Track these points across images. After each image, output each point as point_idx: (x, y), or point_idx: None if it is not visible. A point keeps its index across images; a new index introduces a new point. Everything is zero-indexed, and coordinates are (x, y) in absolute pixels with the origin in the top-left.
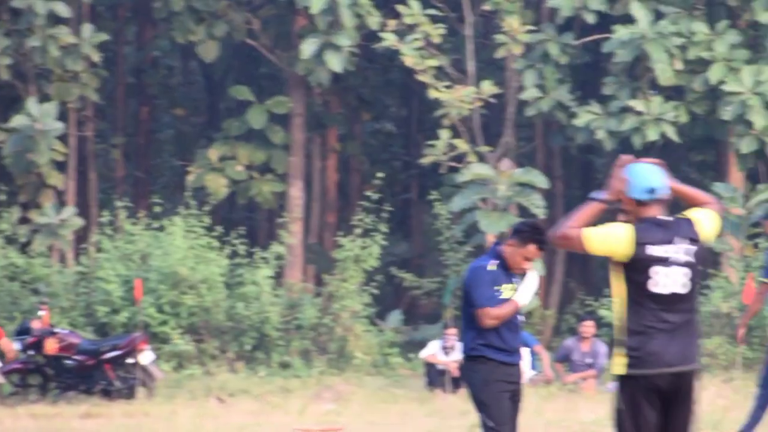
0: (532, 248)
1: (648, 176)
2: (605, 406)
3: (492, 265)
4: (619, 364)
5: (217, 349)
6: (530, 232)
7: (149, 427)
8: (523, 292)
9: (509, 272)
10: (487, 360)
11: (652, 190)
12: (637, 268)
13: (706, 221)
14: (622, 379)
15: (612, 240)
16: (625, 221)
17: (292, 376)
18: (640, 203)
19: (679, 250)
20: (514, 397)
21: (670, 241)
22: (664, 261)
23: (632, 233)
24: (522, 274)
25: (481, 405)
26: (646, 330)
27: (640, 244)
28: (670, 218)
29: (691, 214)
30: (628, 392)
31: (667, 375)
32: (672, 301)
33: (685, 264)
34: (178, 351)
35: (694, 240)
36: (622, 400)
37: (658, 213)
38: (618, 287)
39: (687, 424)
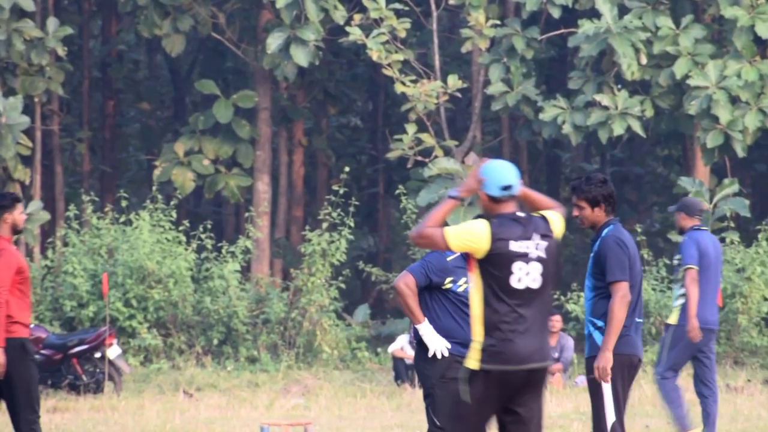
0: None
1: (503, 174)
2: (573, 400)
3: (452, 257)
4: (474, 359)
5: (184, 343)
6: None
7: (117, 422)
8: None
9: None
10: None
11: (507, 187)
12: (498, 264)
13: (556, 220)
14: (475, 374)
15: (472, 237)
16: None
17: (260, 370)
18: (496, 200)
19: (535, 246)
20: None
21: (528, 237)
22: (524, 256)
23: (490, 229)
24: None
25: (431, 400)
26: (503, 326)
27: (500, 239)
28: (525, 214)
29: (544, 212)
30: (479, 387)
31: (521, 371)
32: (527, 296)
33: (539, 259)
34: (146, 345)
35: (547, 236)
36: (471, 393)
37: (512, 210)
38: (476, 283)
39: (539, 419)
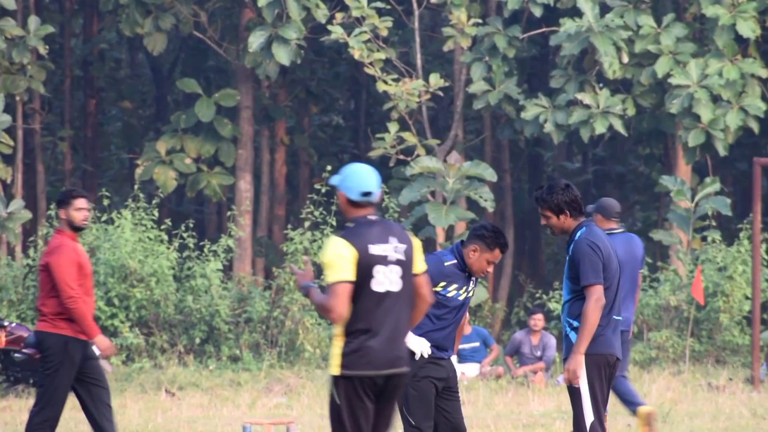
0: (497, 252)
1: (364, 180)
2: (555, 399)
3: (449, 263)
4: (336, 365)
5: (166, 342)
6: (495, 236)
7: None
8: None
9: (467, 275)
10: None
11: (367, 194)
12: (361, 269)
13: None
14: (339, 379)
15: (346, 260)
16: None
17: (242, 369)
18: (354, 204)
19: (393, 249)
20: (447, 393)
21: (386, 240)
22: (383, 259)
23: (346, 240)
24: (478, 278)
25: (404, 399)
26: (364, 330)
27: (361, 246)
28: (381, 218)
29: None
30: (345, 391)
31: (382, 375)
32: (387, 299)
33: (398, 262)
34: (128, 344)
35: (404, 240)
36: (340, 397)
37: (369, 214)
38: None
39: (391, 421)
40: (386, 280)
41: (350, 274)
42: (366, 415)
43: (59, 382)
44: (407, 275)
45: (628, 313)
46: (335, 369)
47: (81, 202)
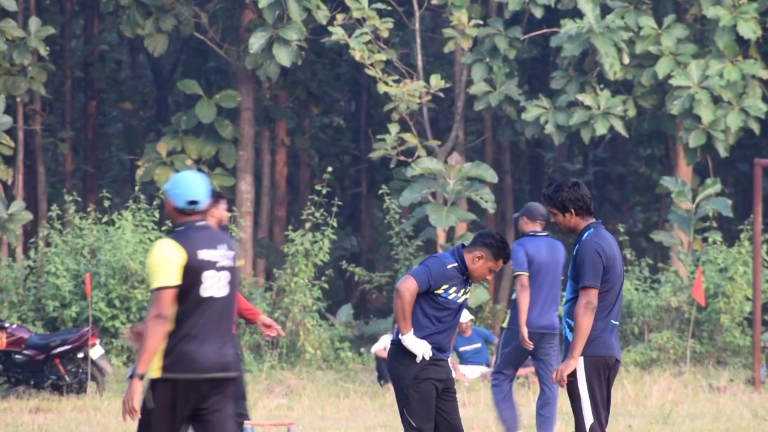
0: (500, 263)
1: (191, 187)
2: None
3: (451, 266)
4: (156, 367)
5: None
6: (502, 247)
7: (100, 422)
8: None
9: (465, 278)
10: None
11: (193, 202)
12: (189, 273)
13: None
14: (157, 382)
15: (170, 263)
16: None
17: (243, 370)
18: (181, 212)
19: (222, 255)
20: (446, 394)
21: (214, 246)
22: (213, 265)
23: (176, 243)
24: (478, 283)
25: (405, 401)
26: (191, 334)
27: (190, 250)
28: (209, 226)
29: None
30: (161, 395)
31: (207, 380)
32: (214, 305)
33: (227, 268)
34: (129, 346)
35: (231, 247)
36: (156, 401)
37: (198, 221)
38: None
39: (226, 429)
40: (214, 285)
41: (174, 279)
42: (178, 422)
43: None
44: (234, 282)
45: (549, 314)
46: (155, 372)
47: (224, 203)
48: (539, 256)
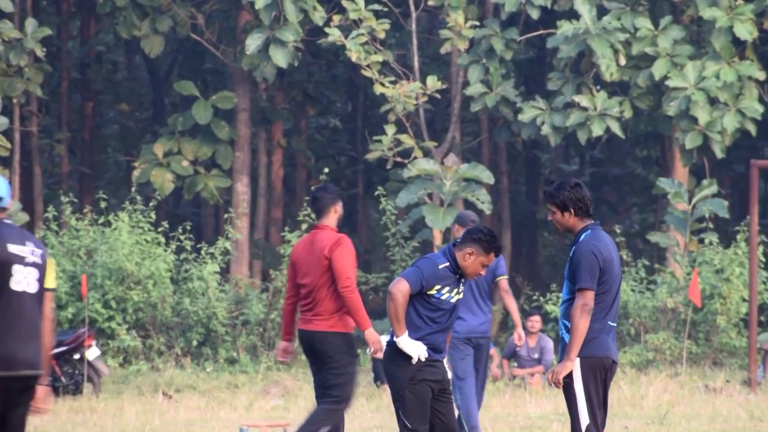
0: (492, 256)
1: None
2: (552, 401)
3: (443, 265)
4: None
5: (163, 344)
6: (492, 240)
7: (96, 423)
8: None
9: (458, 277)
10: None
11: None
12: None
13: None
14: None
15: None
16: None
17: (239, 371)
18: None
19: (30, 252)
20: (441, 395)
21: (23, 243)
22: (22, 260)
23: None
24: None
25: (401, 402)
26: (3, 329)
27: (1, 242)
28: (13, 222)
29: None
30: None
31: (19, 377)
32: (23, 300)
33: (35, 265)
34: (125, 347)
35: (39, 246)
36: None
37: (4, 218)
38: None
39: (24, 426)
40: (24, 280)
41: None
42: None
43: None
44: (42, 280)
45: (478, 320)
46: None
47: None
48: None
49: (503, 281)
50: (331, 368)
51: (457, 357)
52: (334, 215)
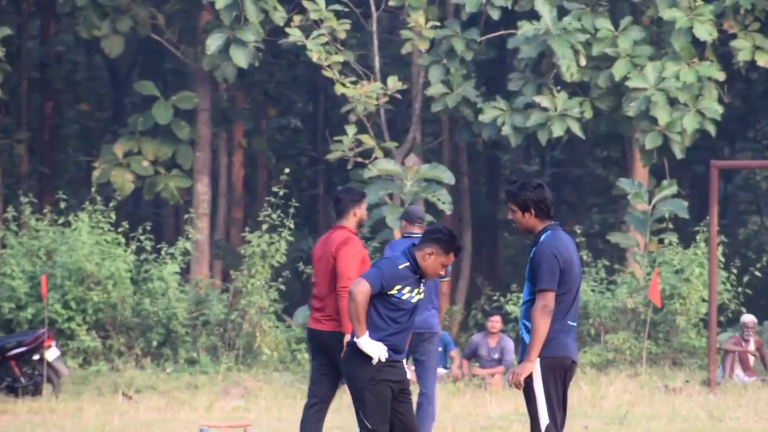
0: (452, 256)
1: None
2: (513, 402)
3: (403, 265)
4: None
5: (123, 345)
6: (451, 240)
7: (55, 424)
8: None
9: (418, 276)
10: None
11: None
12: None
13: None
14: None
15: None
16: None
17: (200, 372)
18: None
19: None
20: (401, 395)
21: None
22: None
23: None
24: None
25: (361, 403)
26: None
27: None
28: None
29: None
30: None
31: None
32: None
33: None
34: (85, 347)
35: None
36: None
37: None
38: None
39: None
40: None
41: None
42: None
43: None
44: None
45: (426, 316)
46: None
47: (365, 202)
48: None
49: (444, 283)
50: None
51: None
52: (353, 218)
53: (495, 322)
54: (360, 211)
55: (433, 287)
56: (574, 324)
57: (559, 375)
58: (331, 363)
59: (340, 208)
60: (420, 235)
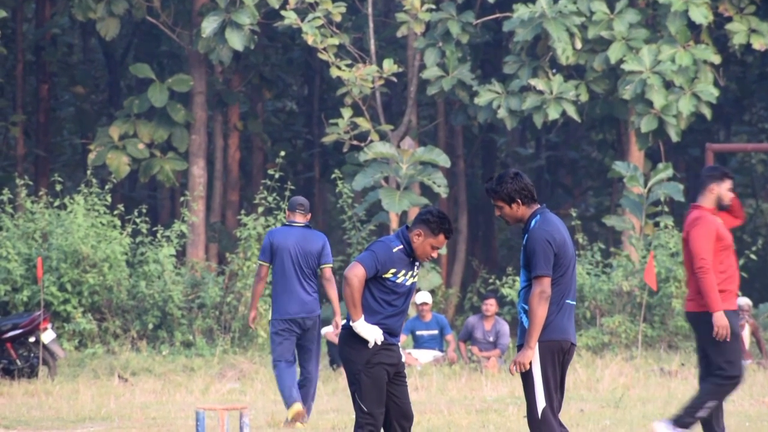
0: (441, 238)
1: None
2: (508, 384)
3: (397, 248)
4: None
5: (119, 327)
6: (440, 222)
7: (51, 406)
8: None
9: (412, 260)
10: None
11: None
12: None
13: None
14: None
15: None
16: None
17: (195, 354)
18: None
19: None
20: (397, 378)
21: None
22: None
23: None
24: (422, 262)
25: (357, 386)
26: None
27: None
28: None
29: None
30: None
31: None
32: None
33: None
34: (80, 330)
35: None
36: None
37: None
38: None
39: None
40: None
41: None
42: None
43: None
44: None
45: (295, 301)
46: None
47: (730, 183)
48: (286, 244)
49: (327, 269)
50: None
51: (276, 339)
52: (709, 195)
53: (490, 305)
54: (718, 189)
55: (311, 273)
56: (573, 303)
57: (558, 358)
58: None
59: (699, 185)
60: (301, 224)
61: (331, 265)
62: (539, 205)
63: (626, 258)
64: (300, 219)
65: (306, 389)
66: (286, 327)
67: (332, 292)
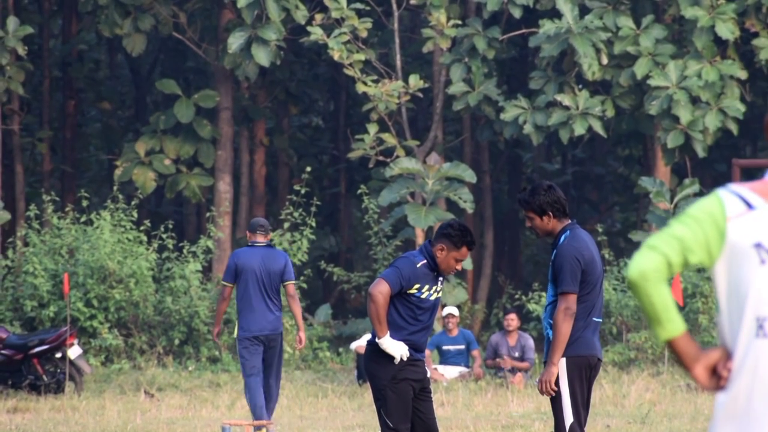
0: (464, 250)
1: None
2: (534, 400)
3: (421, 264)
4: None
5: (145, 343)
6: (461, 234)
7: (78, 422)
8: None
9: (436, 274)
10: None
11: None
12: None
13: None
14: None
15: None
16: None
17: (221, 370)
18: None
19: None
20: (422, 394)
21: None
22: None
23: None
24: (446, 276)
25: (382, 402)
26: None
27: None
28: None
29: None
30: None
31: None
32: None
33: None
34: (107, 345)
35: None
36: None
37: None
38: None
39: None
40: None
41: None
42: None
43: None
44: None
45: (262, 318)
46: None
47: None
48: (251, 265)
49: (290, 286)
50: None
51: (245, 355)
52: None
53: (511, 320)
54: None
55: (275, 289)
56: (599, 320)
57: (585, 373)
58: None
59: None
60: (263, 243)
61: (294, 282)
62: (570, 220)
63: None
64: (261, 239)
65: (267, 404)
66: (253, 343)
67: (296, 308)
